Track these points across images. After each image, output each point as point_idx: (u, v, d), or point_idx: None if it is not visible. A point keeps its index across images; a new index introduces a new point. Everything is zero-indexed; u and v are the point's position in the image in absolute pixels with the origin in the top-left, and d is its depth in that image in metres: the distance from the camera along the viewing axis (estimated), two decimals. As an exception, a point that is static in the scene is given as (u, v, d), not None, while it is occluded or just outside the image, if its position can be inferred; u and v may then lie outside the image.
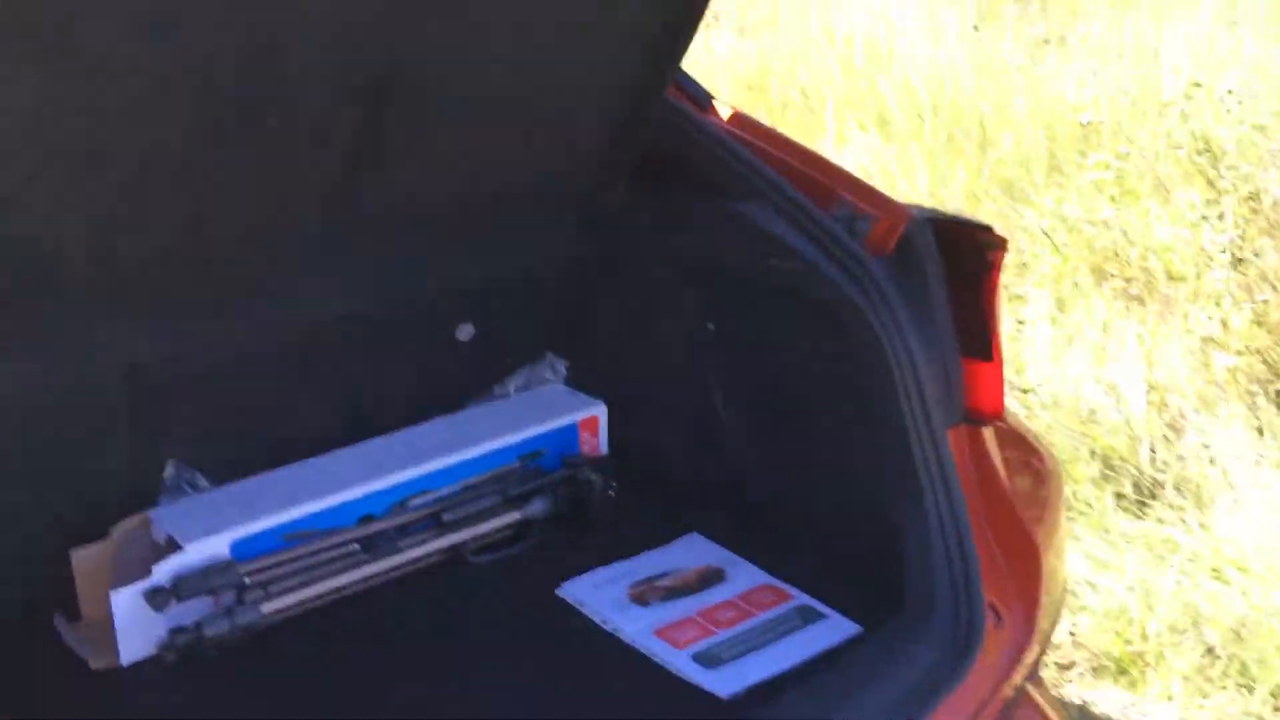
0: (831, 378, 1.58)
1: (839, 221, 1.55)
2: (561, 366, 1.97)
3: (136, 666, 1.45)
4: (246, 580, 1.50)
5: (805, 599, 1.58)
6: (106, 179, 1.28)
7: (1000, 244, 1.50)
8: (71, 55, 1.13)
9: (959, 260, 1.53)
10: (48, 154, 1.21)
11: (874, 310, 1.47)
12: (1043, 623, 1.50)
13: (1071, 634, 2.36)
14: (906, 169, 4.19)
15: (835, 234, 1.52)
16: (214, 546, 1.50)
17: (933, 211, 1.57)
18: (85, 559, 1.52)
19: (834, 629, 1.51)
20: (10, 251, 1.27)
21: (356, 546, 1.61)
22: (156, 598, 1.44)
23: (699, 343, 1.79)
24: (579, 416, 1.85)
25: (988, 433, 1.54)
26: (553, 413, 1.84)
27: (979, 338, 1.52)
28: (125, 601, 1.44)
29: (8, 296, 1.31)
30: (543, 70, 1.54)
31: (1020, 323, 3.22)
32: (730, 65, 5.28)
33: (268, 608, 1.50)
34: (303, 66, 1.30)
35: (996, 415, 1.53)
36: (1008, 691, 1.42)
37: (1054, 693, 2.22)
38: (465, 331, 1.86)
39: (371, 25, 1.31)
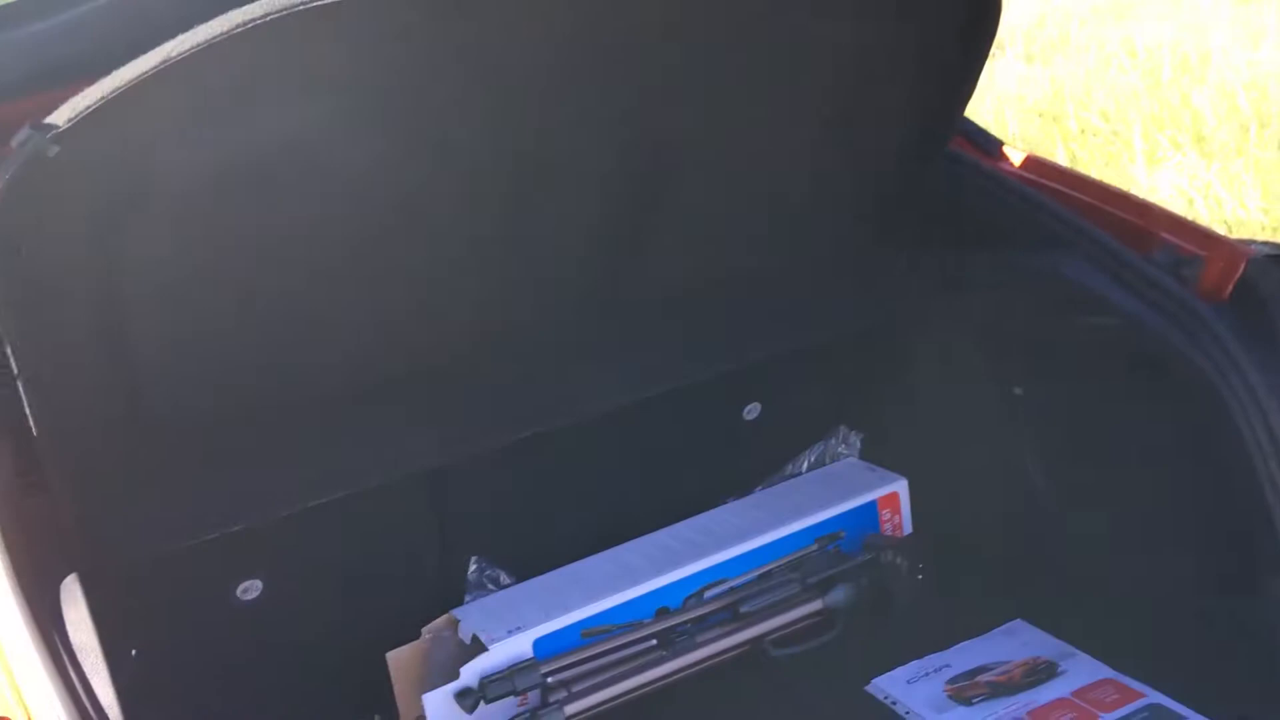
0: (1168, 442, 1.40)
1: (1162, 267, 1.37)
2: (856, 440, 1.86)
3: (450, 767, 1.47)
4: (549, 680, 1.49)
5: (1159, 697, 1.38)
6: (394, 292, 1.32)
7: (1368, 278, 1.28)
8: (349, 177, 1.18)
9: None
10: (345, 268, 1.26)
11: (1214, 365, 1.28)
12: None
13: None
14: (1233, 188, 3.78)
15: (1159, 281, 1.34)
16: (518, 646, 1.50)
17: (1275, 246, 1.36)
18: (399, 661, 1.56)
19: (1196, 736, 1.32)
20: (318, 363, 1.33)
21: (654, 642, 1.57)
22: (466, 699, 1.46)
23: (1007, 408, 1.63)
24: (879, 493, 1.74)
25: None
26: (850, 490, 1.74)
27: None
28: (438, 703, 1.47)
29: (318, 406, 1.37)
30: (813, 143, 1.47)
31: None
32: (1019, 95, 5.00)
33: (571, 709, 1.48)
34: (568, 164, 1.30)
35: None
36: None
37: None
38: (752, 410, 1.80)
39: (635, 116, 1.30)
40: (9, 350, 1.07)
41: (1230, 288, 1.32)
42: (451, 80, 1.14)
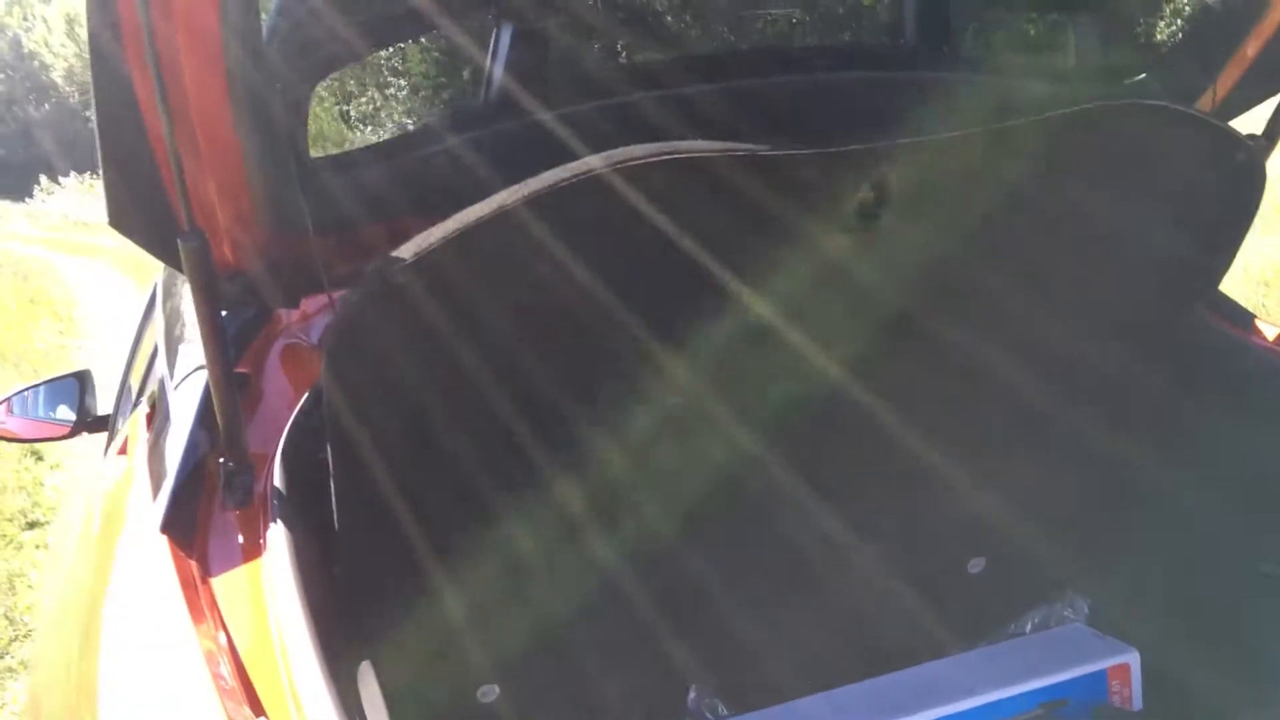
0: None
1: None
2: (1084, 605, 1.82)
3: None
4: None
5: None
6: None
7: None
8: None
9: None
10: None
11: None
12: None
13: None
14: None
15: None
16: (734, 781, 1.52)
17: None
18: (618, 780, 1.60)
19: None
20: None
21: (870, 793, 1.56)
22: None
23: (1253, 586, 1.58)
24: (1108, 663, 1.69)
25: None
26: (1076, 657, 1.70)
27: None
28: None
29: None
30: (1066, 318, 1.49)
31: None
32: (1244, 263, 4.84)
33: None
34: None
35: None
36: None
37: None
38: (976, 564, 1.79)
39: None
40: (329, 451, 1.19)
41: None
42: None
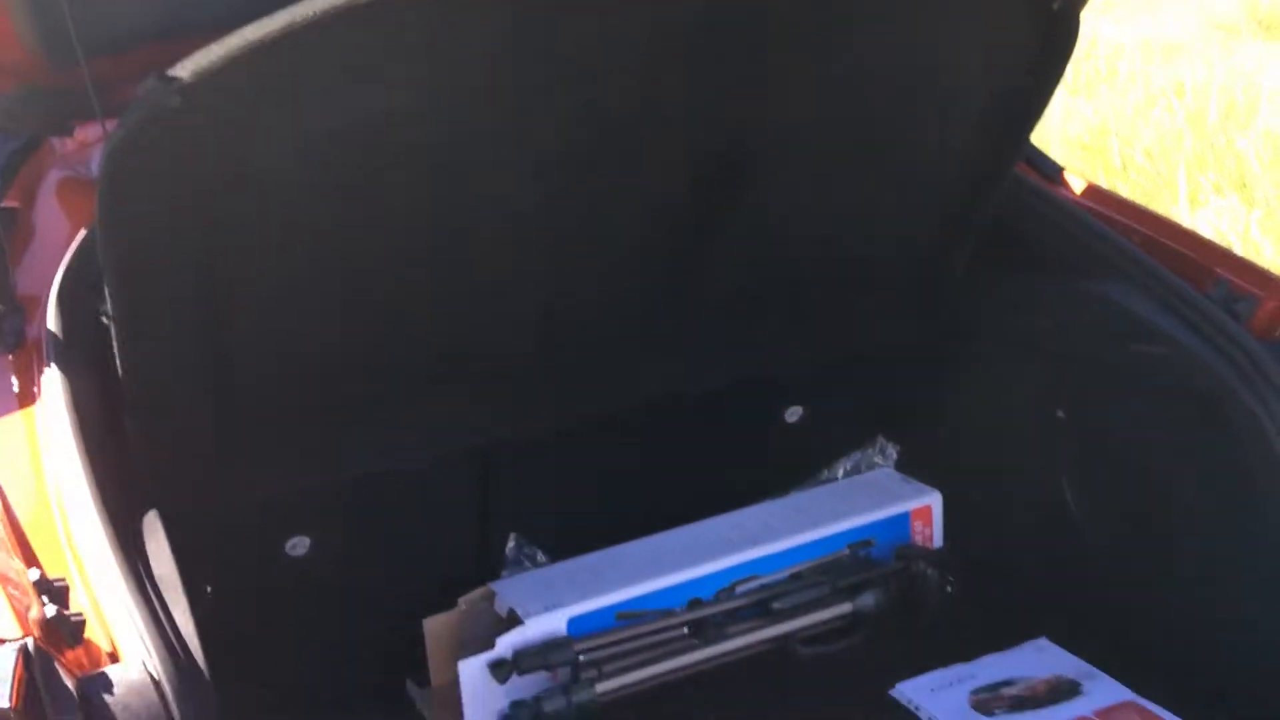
0: (1211, 475, 1.42)
1: (1216, 302, 1.39)
2: (893, 451, 1.89)
3: (479, 735, 1.51)
4: (581, 658, 1.53)
5: (1178, 724, 1.41)
6: (457, 268, 1.35)
7: None
8: (437, 155, 1.21)
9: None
10: (424, 244, 1.30)
11: (1262, 403, 1.30)
12: None
13: None
14: (1275, 236, 3.79)
15: (1213, 316, 1.37)
16: (553, 622, 1.54)
17: (1331, 290, 1.39)
18: (436, 628, 1.59)
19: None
20: (391, 336, 1.37)
21: (685, 630, 1.61)
22: (500, 670, 1.49)
23: (1047, 431, 1.66)
24: (912, 505, 1.77)
25: None
26: (884, 500, 1.77)
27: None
28: (472, 671, 1.50)
29: (384, 379, 1.41)
30: (879, 153, 1.50)
31: None
32: (1063, 126, 5.02)
33: (602, 687, 1.51)
34: (646, 150, 1.33)
35: None
36: None
37: None
38: (793, 414, 1.84)
39: (719, 106, 1.33)
40: (107, 293, 1.11)
41: (1284, 328, 1.35)
42: (543, 58, 1.17)
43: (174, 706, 0.86)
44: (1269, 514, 1.31)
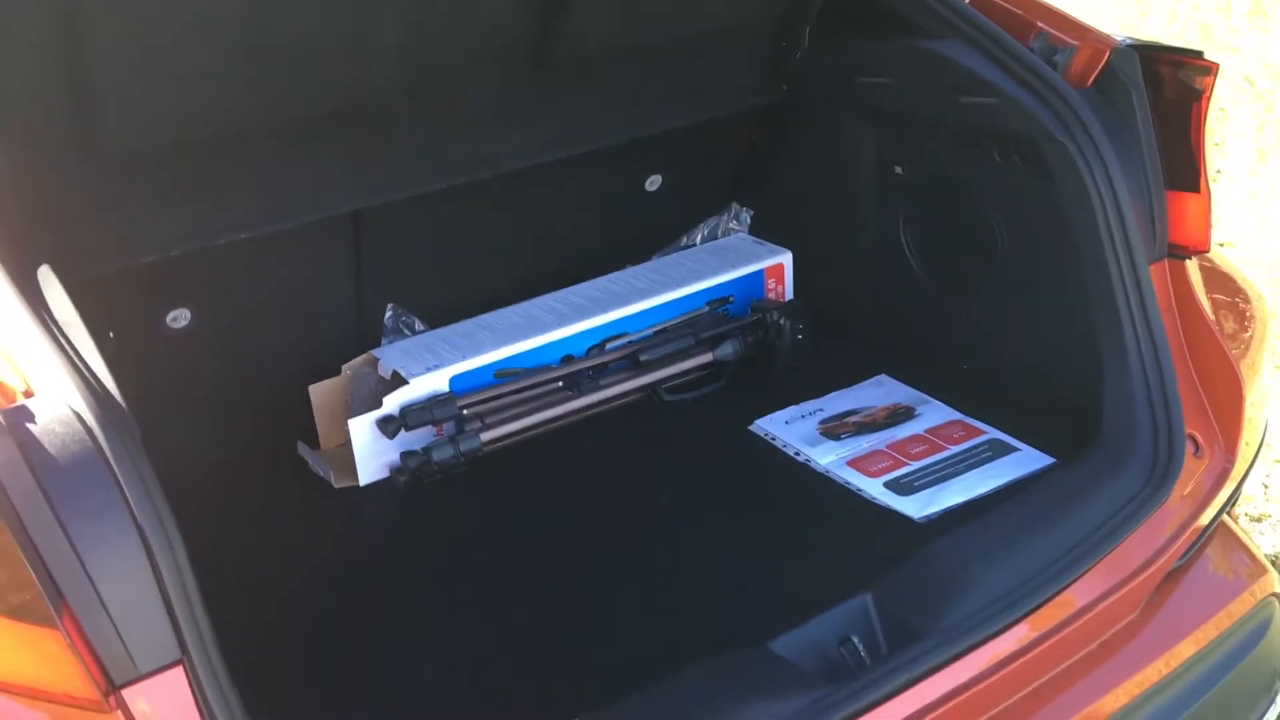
0: (1029, 215, 1.58)
1: (1037, 54, 1.52)
2: (746, 216, 2.01)
3: (372, 488, 1.60)
4: (464, 412, 1.63)
5: (997, 434, 1.61)
6: (323, 26, 1.35)
7: (1211, 70, 1.45)
8: None
9: (1165, 89, 1.48)
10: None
11: (1075, 144, 1.44)
12: (1241, 458, 1.49)
13: (1265, 486, 2.31)
14: (1092, 20, 3.98)
15: (1034, 66, 1.49)
16: (435, 381, 1.62)
17: (1136, 40, 1.52)
18: (321, 393, 1.66)
19: (1027, 460, 1.54)
20: (253, 93, 1.37)
21: (561, 384, 1.72)
22: (388, 425, 1.58)
23: (886, 188, 1.79)
24: (765, 264, 1.90)
25: (1192, 267, 1.51)
26: (740, 260, 1.89)
27: (1185, 169, 1.48)
28: (361, 429, 1.58)
29: (249, 144, 1.42)
30: None
31: (1218, 172, 3.08)
32: None
33: (485, 436, 1.62)
34: None
35: (1201, 249, 1.50)
36: (1203, 521, 1.42)
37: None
38: (653, 182, 1.92)
39: None
40: None
41: (1095, 74, 1.48)
42: None
43: (99, 434, 0.91)
44: (1078, 241, 1.47)
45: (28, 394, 0.97)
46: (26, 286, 1.02)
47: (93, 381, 0.95)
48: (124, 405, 0.96)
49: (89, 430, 0.92)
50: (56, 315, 1.02)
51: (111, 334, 1.12)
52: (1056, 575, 1.28)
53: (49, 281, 1.07)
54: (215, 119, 1.35)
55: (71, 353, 0.97)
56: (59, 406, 0.93)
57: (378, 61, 1.43)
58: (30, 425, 0.91)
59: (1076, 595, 1.30)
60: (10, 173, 1.19)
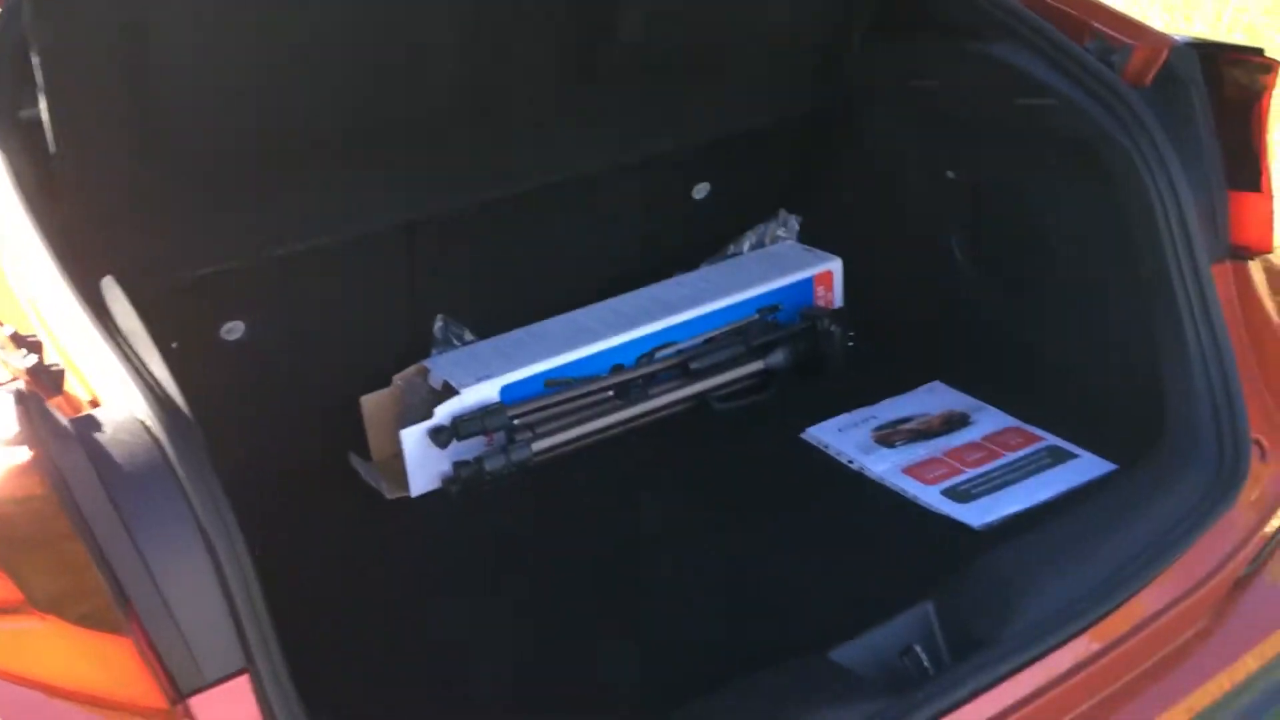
0: (1087, 217, 1.55)
1: (1093, 54, 1.50)
2: (794, 223, 1.99)
3: (424, 498, 1.60)
4: (515, 421, 1.62)
5: (1055, 440, 1.58)
6: (382, 39, 1.36)
7: (1272, 68, 1.43)
8: None
9: (1224, 88, 1.46)
10: (341, 15, 1.30)
11: (1134, 144, 1.42)
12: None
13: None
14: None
15: (1091, 67, 1.47)
16: (486, 391, 1.62)
17: (1195, 38, 1.50)
18: (373, 404, 1.67)
19: (1088, 467, 1.52)
20: (310, 107, 1.38)
21: (611, 393, 1.71)
22: (440, 435, 1.58)
23: (938, 192, 1.77)
24: (815, 271, 1.88)
25: (1254, 267, 1.48)
26: (789, 268, 1.88)
27: (1246, 169, 1.45)
28: (414, 439, 1.59)
29: (304, 156, 1.43)
30: None
31: None
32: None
33: (537, 446, 1.62)
34: None
35: (1264, 249, 1.47)
36: (1270, 528, 1.39)
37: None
38: (701, 190, 1.91)
39: None
40: (36, 62, 1.11)
41: (1153, 73, 1.46)
42: None
43: (165, 443, 0.91)
44: (1138, 243, 1.44)
45: (94, 404, 0.98)
46: (91, 297, 1.03)
47: (158, 391, 0.95)
48: (189, 414, 0.96)
49: (155, 439, 0.92)
50: (121, 325, 1.03)
51: (175, 344, 1.12)
52: (1123, 582, 1.25)
53: (113, 293, 1.08)
54: (270, 128, 1.36)
55: (137, 362, 0.97)
56: (126, 416, 0.94)
57: (433, 73, 1.43)
58: (98, 435, 0.92)
59: (1144, 603, 1.27)
60: (77, 178, 1.21)
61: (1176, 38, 1.47)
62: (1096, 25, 1.52)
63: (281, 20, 1.25)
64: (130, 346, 0.99)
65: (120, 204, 1.30)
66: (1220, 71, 1.45)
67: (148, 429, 0.93)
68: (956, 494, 1.50)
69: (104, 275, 1.11)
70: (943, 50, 1.66)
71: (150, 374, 0.97)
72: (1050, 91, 1.50)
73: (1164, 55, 1.45)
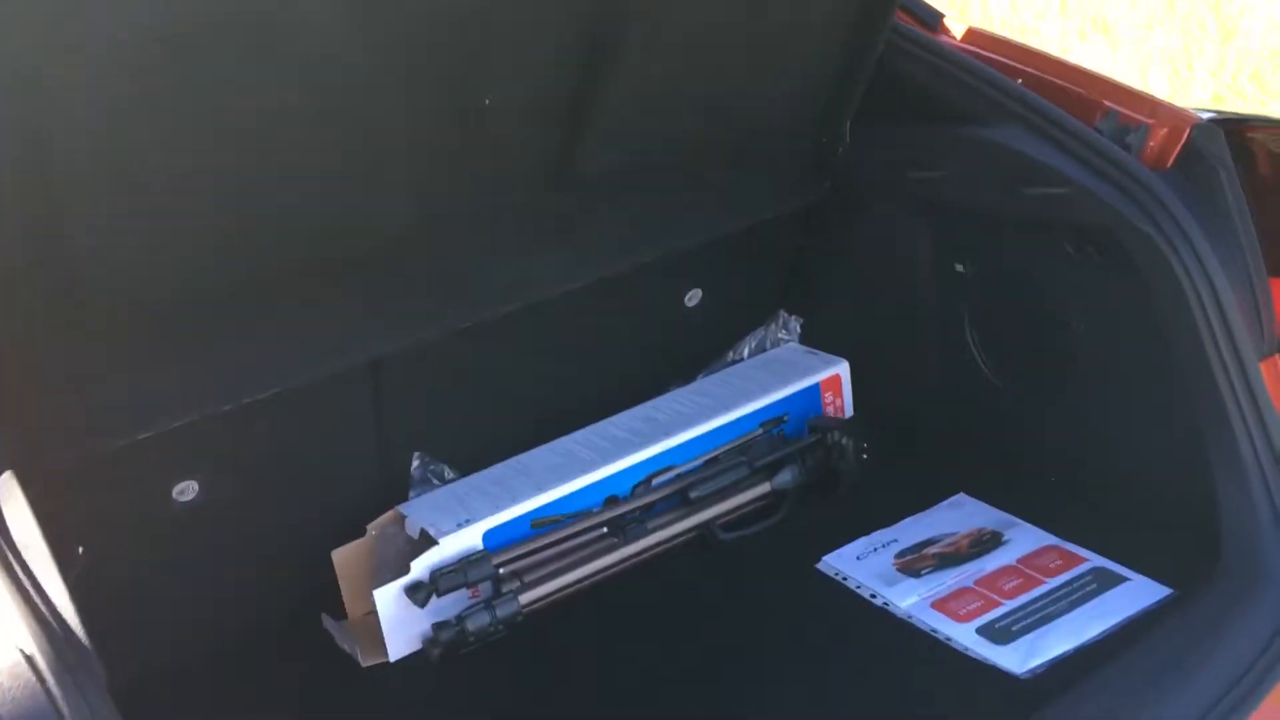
0: (1109, 309, 1.42)
1: (1106, 135, 1.37)
2: (796, 325, 1.86)
3: (405, 660, 1.45)
4: (501, 571, 1.48)
5: (1100, 560, 1.42)
6: (334, 170, 1.25)
7: (1308, 141, 1.30)
8: (280, 51, 1.10)
9: (1257, 165, 1.33)
10: (284, 144, 1.18)
11: (1160, 233, 1.29)
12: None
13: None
14: (1141, 77, 3.84)
15: (1104, 150, 1.34)
16: (467, 538, 1.48)
17: (1218, 113, 1.37)
18: (345, 558, 1.52)
19: (1141, 592, 1.35)
20: (256, 247, 1.26)
21: (605, 529, 1.56)
22: (417, 593, 1.43)
23: (947, 286, 1.64)
24: (820, 376, 1.74)
25: (1308, 361, 1.34)
26: (792, 374, 1.74)
27: (1289, 253, 1.32)
28: (388, 598, 1.44)
29: (254, 296, 1.30)
30: (755, 13, 1.42)
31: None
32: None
33: (525, 598, 1.47)
34: (513, 33, 1.23)
35: (1317, 340, 1.33)
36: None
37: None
38: (693, 296, 1.78)
39: None
40: None
41: (1175, 154, 1.33)
42: None
43: (53, 686, 0.78)
44: (1173, 337, 1.30)
45: (-21, 637, 0.84)
46: None
47: (51, 621, 0.82)
48: (88, 644, 0.82)
49: (44, 683, 0.78)
50: (15, 537, 0.89)
51: (81, 549, 0.99)
52: None
53: (9, 493, 0.94)
54: (208, 275, 1.24)
55: (30, 586, 0.84)
56: (10, 654, 0.80)
57: (389, 202, 1.31)
58: (-25, 679, 0.78)
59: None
60: None
61: (1200, 114, 1.34)
62: (1109, 104, 1.40)
63: (209, 157, 1.13)
64: (22, 564, 0.86)
65: (36, 371, 1.17)
66: (1249, 148, 1.32)
67: (35, 668, 0.79)
68: (995, 632, 1.34)
69: (5, 469, 0.97)
70: (940, 136, 1.53)
71: (45, 600, 0.83)
72: (1059, 179, 1.37)
73: (1185, 134, 1.32)
